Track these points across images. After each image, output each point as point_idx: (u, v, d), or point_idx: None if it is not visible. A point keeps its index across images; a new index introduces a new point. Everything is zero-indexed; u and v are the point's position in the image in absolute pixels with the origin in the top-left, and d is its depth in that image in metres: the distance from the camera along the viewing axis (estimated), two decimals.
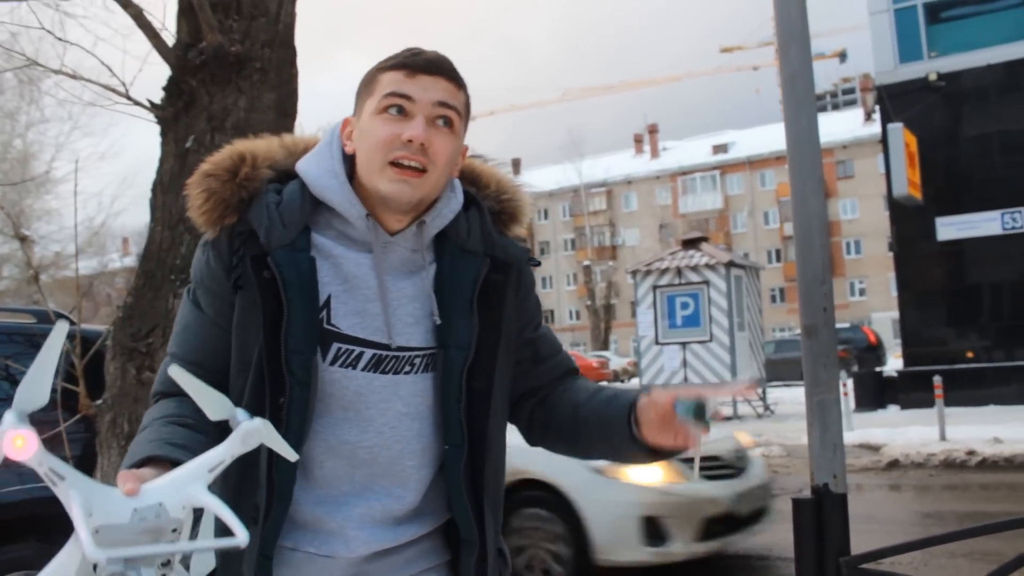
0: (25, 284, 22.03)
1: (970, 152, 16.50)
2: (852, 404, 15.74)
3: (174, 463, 1.21)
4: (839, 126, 59.69)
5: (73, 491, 1.05)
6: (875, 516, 7.75)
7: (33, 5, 3.52)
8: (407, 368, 1.45)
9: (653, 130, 71.72)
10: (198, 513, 1.19)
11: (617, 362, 43.61)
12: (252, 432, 1.18)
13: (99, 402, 3.22)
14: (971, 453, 10.67)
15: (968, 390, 15.42)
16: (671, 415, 1.37)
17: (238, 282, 1.40)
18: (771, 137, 63.45)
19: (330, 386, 1.42)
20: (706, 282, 17.45)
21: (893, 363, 26.78)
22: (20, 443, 1.02)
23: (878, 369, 21.27)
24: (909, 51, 17.20)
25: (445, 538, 1.53)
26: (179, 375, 1.20)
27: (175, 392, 1.38)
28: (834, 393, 2.34)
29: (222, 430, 1.32)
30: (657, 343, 17.85)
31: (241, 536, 1.07)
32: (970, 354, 16.35)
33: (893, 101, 16.68)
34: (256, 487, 1.39)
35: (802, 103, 2.40)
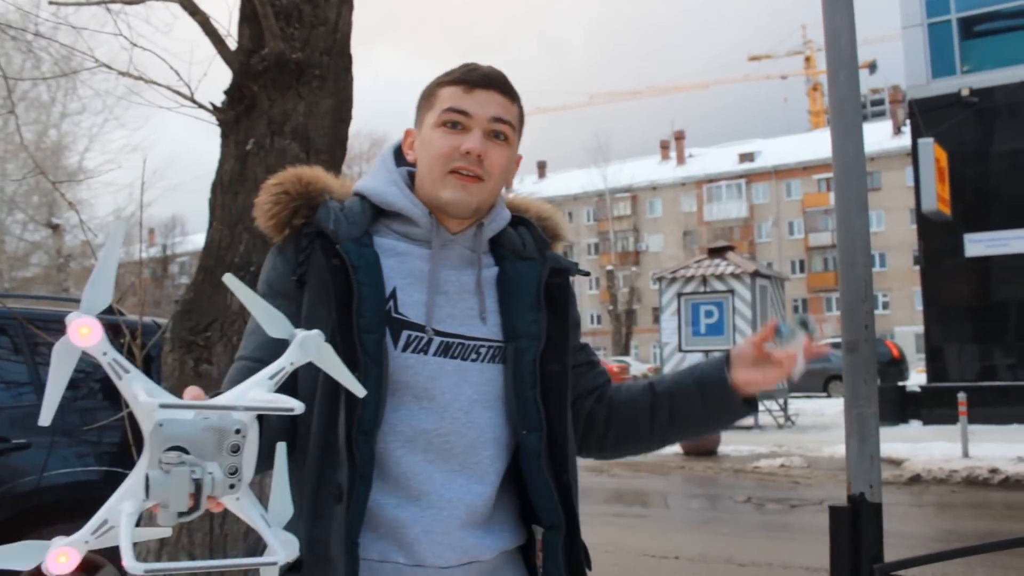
0: (55, 271, 22.39)
1: (1001, 169, 16.44)
2: None
3: None
4: (868, 138, 58.03)
5: (137, 383, 1.06)
6: (896, 531, 7.79)
7: (97, 10, 3.66)
8: (473, 356, 1.51)
9: (679, 136, 71.55)
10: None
11: (638, 368, 43.54)
12: (309, 340, 1.18)
13: None
14: (994, 471, 10.66)
15: (992, 407, 15.37)
16: (768, 348, 1.57)
17: (303, 276, 1.47)
18: (798, 147, 63.23)
19: (404, 374, 1.45)
20: (731, 291, 17.50)
21: (916, 378, 26.64)
22: (86, 331, 1.03)
23: (901, 384, 21.17)
24: (942, 66, 17.16)
25: (524, 560, 1.55)
26: (236, 286, 1.19)
27: None
28: (873, 407, 2.43)
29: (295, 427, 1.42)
30: (680, 350, 17.92)
31: (280, 555, 1.06)
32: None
33: (924, 116, 16.64)
34: (338, 465, 1.40)
35: (850, 128, 2.50)
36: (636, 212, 69.26)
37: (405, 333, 1.47)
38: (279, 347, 1.36)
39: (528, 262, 1.60)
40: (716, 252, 18.94)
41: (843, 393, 2.41)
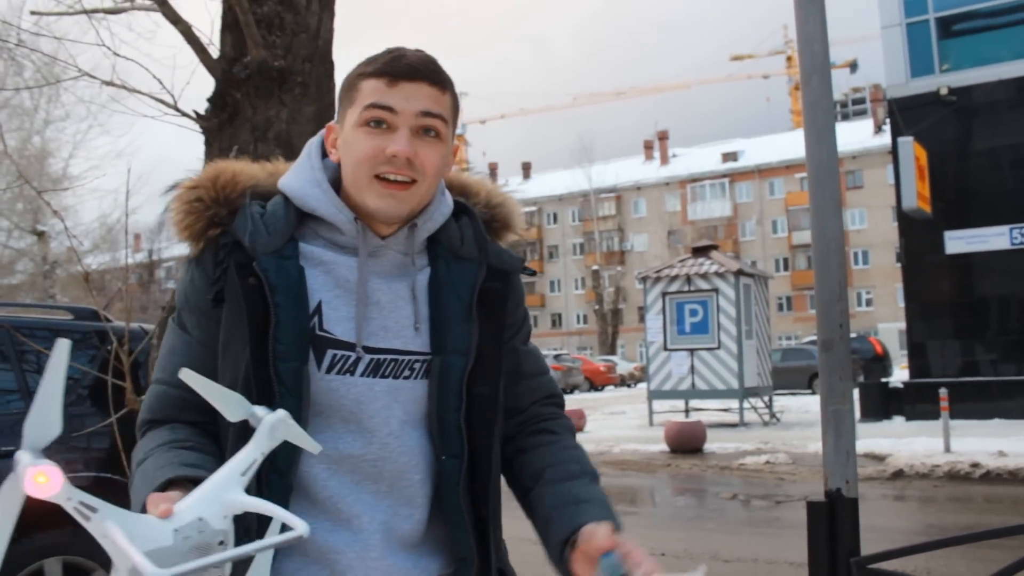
0: (41, 278, 22.29)
1: (980, 166, 16.60)
2: (858, 414, 15.85)
3: (194, 482, 1.15)
4: (849, 136, 59.70)
5: (109, 521, 0.98)
6: (878, 525, 7.89)
7: (82, 19, 3.69)
8: (406, 372, 1.39)
9: (663, 137, 71.83)
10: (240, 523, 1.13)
11: (624, 367, 43.74)
12: (278, 425, 1.11)
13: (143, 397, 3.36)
14: (975, 466, 10.78)
15: (974, 403, 15.51)
16: (594, 560, 1.27)
17: (220, 294, 1.34)
18: (781, 146, 63.57)
19: (329, 396, 1.34)
20: (715, 290, 17.61)
21: (899, 374, 26.83)
22: (43, 480, 0.94)
23: (884, 380, 21.33)
24: (921, 65, 17.30)
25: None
26: (190, 377, 1.13)
27: (164, 419, 1.37)
28: (848, 404, 2.49)
29: (223, 452, 1.31)
30: (665, 349, 18.02)
31: (301, 527, 1.03)
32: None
33: (904, 115, 16.79)
34: (249, 516, 1.27)
35: (823, 132, 2.55)
36: (621, 212, 69.47)
37: (330, 353, 1.35)
38: (203, 371, 1.25)
39: (464, 263, 1.44)
40: (700, 251, 19.05)
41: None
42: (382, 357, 1.37)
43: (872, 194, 57.64)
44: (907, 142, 15.63)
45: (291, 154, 3.73)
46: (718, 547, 7.26)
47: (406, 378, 1.38)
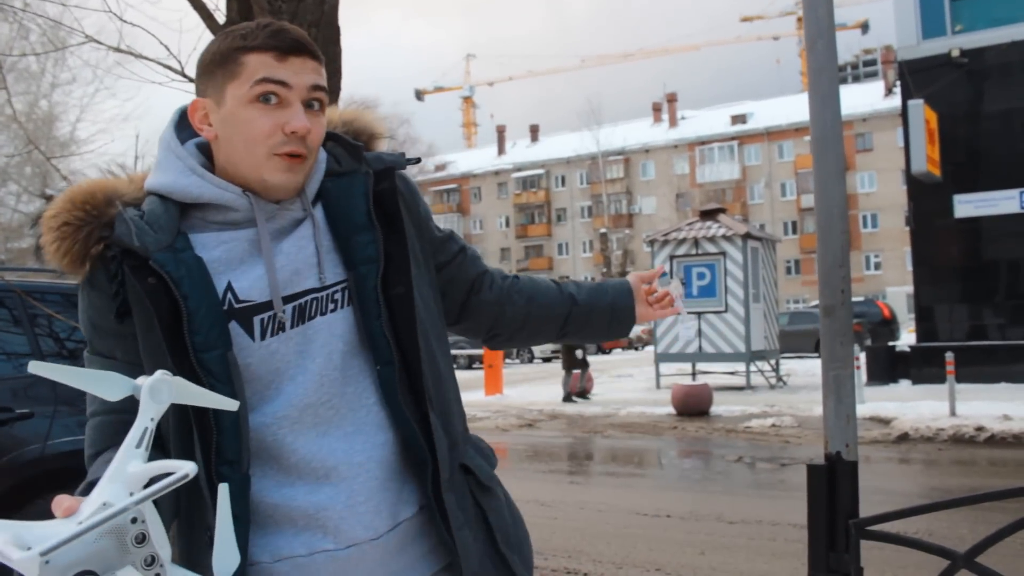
0: None
1: (991, 130, 16.49)
2: (864, 377, 15.92)
3: None
4: (860, 99, 59.19)
5: (1, 535, 0.92)
6: (883, 488, 7.96)
7: None
8: (331, 305, 1.38)
9: (672, 99, 71.28)
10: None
11: (632, 329, 43.82)
12: (158, 386, 1.06)
13: None
14: (980, 429, 10.83)
15: (980, 367, 15.56)
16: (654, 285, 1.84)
17: (124, 305, 1.29)
18: (790, 108, 63.07)
19: (272, 360, 1.34)
20: (723, 253, 17.60)
21: (907, 338, 26.86)
22: None
23: (891, 344, 21.36)
24: (933, 26, 17.12)
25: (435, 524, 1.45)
26: (42, 368, 1.04)
27: (100, 450, 1.33)
28: (849, 368, 2.52)
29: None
30: None
31: (187, 467, 0.98)
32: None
33: (915, 77, 16.64)
34: (205, 507, 1.29)
35: (827, 97, 2.55)
36: (629, 175, 69.17)
37: (256, 320, 1.34)
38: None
39: (348, 177, 1.44)
40: (708, 214, 19.01)
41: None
42: (303, 301, 1.37)
43: (882, 157, 57.20)
44: (917, 105, 15.51)
45: None
46: (723, 509, 7.34)
47: (332, 311, 1.38)
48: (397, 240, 1.43)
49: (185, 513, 1.33)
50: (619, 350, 39.68)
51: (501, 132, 78.26)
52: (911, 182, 16.74)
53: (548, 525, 6.88)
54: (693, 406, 14.25)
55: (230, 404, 1.15)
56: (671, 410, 14.53)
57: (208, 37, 3.86)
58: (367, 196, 1.43)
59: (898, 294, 44.15)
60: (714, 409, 14.47)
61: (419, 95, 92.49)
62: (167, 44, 3.51)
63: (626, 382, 21.58)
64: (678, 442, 12.05)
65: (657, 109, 72.73)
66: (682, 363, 19.20)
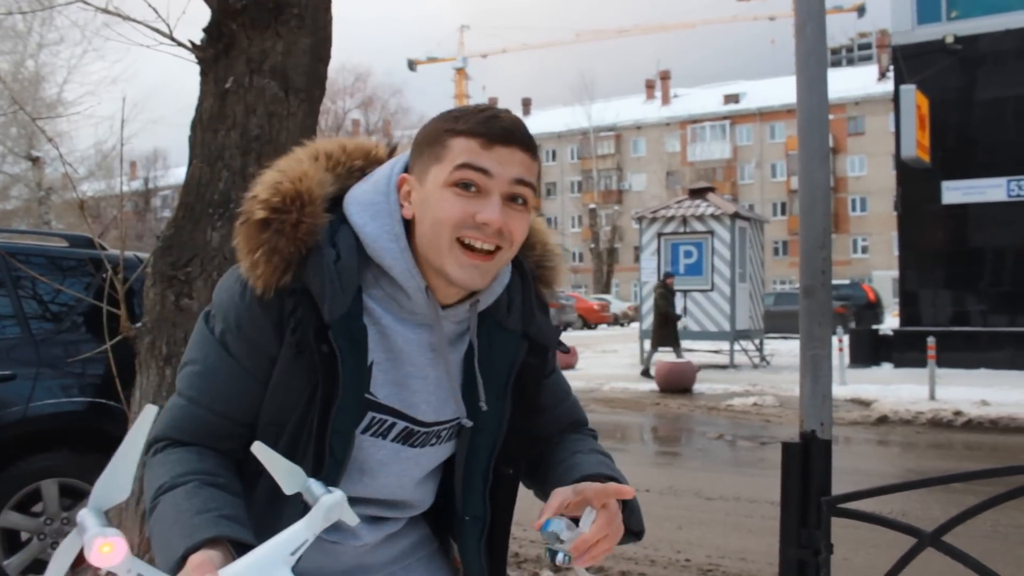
0: (36, 204, 22.22)
1: (981, 117, 16.52)
2: (847, 360, 16.04)
3: (234, 542, 1.12)
4: (853, 82, 59.18)
5: None
6: (860, 468, 8.05)
7: None
8: (433, 440, 1.40)
9: (665, 76, 71.12)
10: None
11: (618, 306, 44.00)
12: (335, 507, 1.08)
13: (138, 325, 3.41)
14: (958, 413, 10.95)
15: (962, 352, 15.70)
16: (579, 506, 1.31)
17: (299, 346, 1.26)
18: (783, 89, 63.00)
19: (357, 452, 1.34)
20: (711, 232, 17.65)
21: (891, 321, 27.04)
22: (107, 549, 0.93)
23: (875, 327, 21.50)
24: (928, 12, 17.09)
25: (435, 524, 1.55)
26: (261, 451, 1.09)
27: (185, 440, 1.30)
28: (826, 349, 2.55)
29: (247, 483, 1.30)
30: None
31: None
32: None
33: (908, 62, 16.64)
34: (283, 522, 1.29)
35: (815, 81, 2.57)
36: (620, 151, 69.10)
37: (371, 415, 1.33)
38: (244, 404, 1.29)
39: (507, 335, 1.40)
40: (697, 193, 19.04)
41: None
42: (416, 428, 1.36)
43: (873, 141, 57.31)
44: (909, 90, 15.53)
45: (286, 86, 3.73)
46: (701, 485, 7.42)
47: (432, 445, 1.40)
48: (524, 415, 1.42)
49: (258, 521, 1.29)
50: (605, 326, 39.80)
51: (493, 104, 77.79)
52: (900, 167, 16.79)
53: (527, 495, 6.91)
54: (676, 383, 14.34)
55: (354, 519, 1.12)
56: (654, 386, 14.62)
57: (198, 1, 3.83)
58: (513, 367, 1.39)
59: (884, 278, 44.44)
60: (697, 387, 14.56)
61: (412, 65, 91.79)
62: (155, 7, 3.49)
63: (611, 357, 21.67)
64: (660, 418, 12.13)
65: (650, 86, 72.58)
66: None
